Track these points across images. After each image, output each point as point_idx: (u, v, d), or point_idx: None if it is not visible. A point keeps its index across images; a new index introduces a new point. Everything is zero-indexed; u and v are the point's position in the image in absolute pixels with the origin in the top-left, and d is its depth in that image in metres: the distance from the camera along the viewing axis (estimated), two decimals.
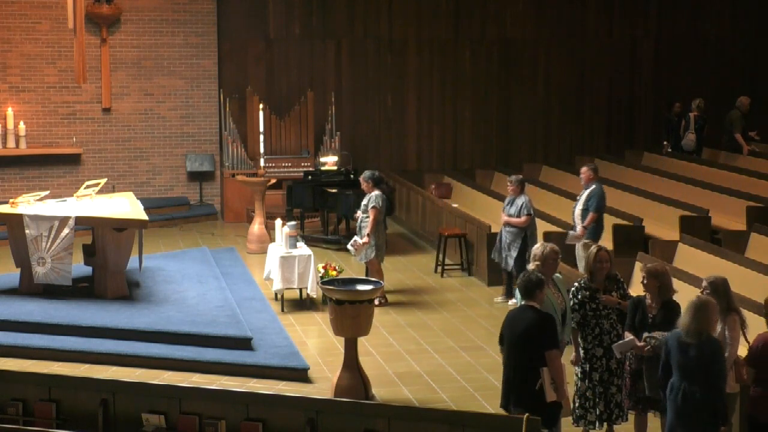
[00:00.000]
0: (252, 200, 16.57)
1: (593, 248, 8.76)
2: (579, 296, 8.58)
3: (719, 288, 7.90)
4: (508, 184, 13.09)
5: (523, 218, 12.73)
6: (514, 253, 12.75)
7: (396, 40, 19.55)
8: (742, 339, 7.91)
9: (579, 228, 12.69)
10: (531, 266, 8.74)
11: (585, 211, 12.72)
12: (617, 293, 8.65)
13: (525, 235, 12.78)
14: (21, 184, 17.48)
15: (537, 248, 8.74)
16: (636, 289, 11.37)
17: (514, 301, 12.64)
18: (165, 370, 10.50)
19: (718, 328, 7.75)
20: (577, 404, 8.60)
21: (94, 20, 17.80)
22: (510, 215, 12.83)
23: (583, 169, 12.98)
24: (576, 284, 8.67)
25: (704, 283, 7.97)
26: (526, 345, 7.66)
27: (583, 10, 20.31)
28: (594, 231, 12.72)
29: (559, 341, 7.89)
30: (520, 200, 12.83)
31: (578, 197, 13.01)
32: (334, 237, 16.22)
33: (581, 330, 8.58)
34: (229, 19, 18.72)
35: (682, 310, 7.66)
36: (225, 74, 18.74)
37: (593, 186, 12.80)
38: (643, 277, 8.28)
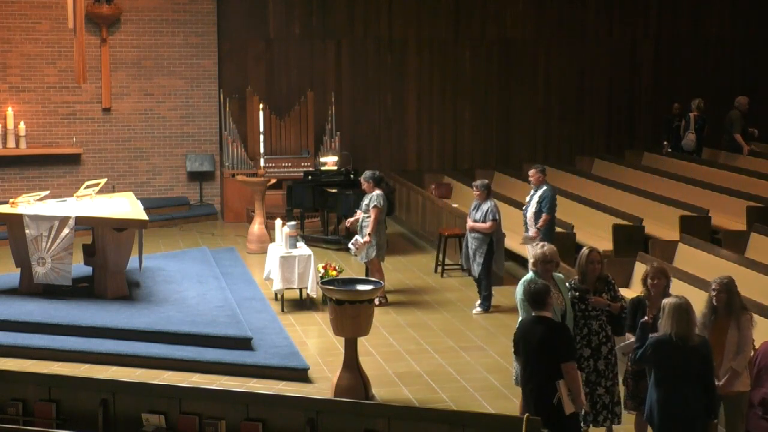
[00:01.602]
0: (252, 200, 16.57)
1: (585, 249, 8.73)
2: (568, 296, 8.57)
3: (732, 288, 7.91)
4: (474, 189, 12.89)
5: (488, 224, 12.53)
6: (480, 260, 12.57)
7: (396, 40, 19.56)
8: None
9: (532, 230, 12.60)
10: (529, 266, 8.75)
11: (538, 213, 12.64)
12: (608, 295, 8.63)
13: (491, 240, 12.59)
14: (21, 184, 17.48)
15: (536, 247, 8.74)
16: (636, 290, 11.37)
17: (479, 309, 12.66)
18: (165, 370, 10.49)
19: (731, 327, 7.80)
20: None
21: (94, 20, 17.80)
22: (476, 221, 12.66)
23: (532, 172, 12.87)
24: (566, 285, 8.65)
25: (714, 285, 7.95)
26: (541, 358, 7.59)
27: (583, 10, 20.32)
28: (547, 232, 12.70)
29: (575, 351, 7.81)
30: (486, 205, 12.63)
31: (528, 199, 12.88)
32: (334, 237, 16.22)
33: None
34: (229, 19, 18.72)
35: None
36: (225, 74, 18.75)
37: (544, 187, 12.74)
38: (652, 277, 8.22)
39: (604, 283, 8.68)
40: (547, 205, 12.63)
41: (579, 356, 8.50)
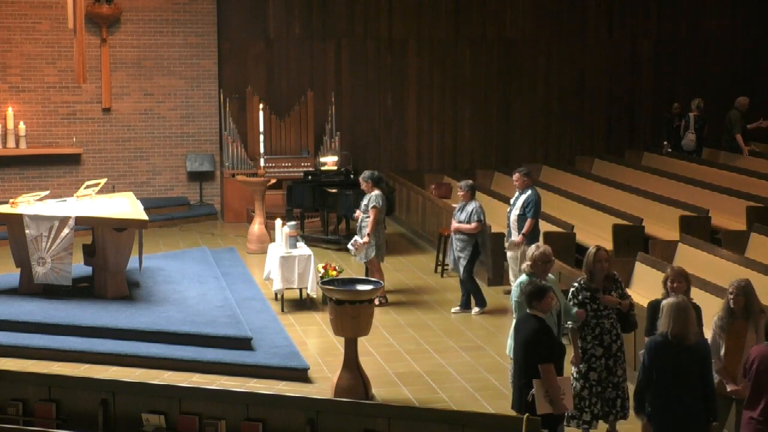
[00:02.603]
0: (252, 200, 16.57)
1: (592, 248, 8.71)
2: (580, 297, 8.55)
3: (750, 291, 7.89)
4: (459, 190, 12.83)
5: (473, 225, 12.43)
6: (464, 262, 12.48)
7: (396, 40, 19.56)
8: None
9: (518, 236, 12.54)
10: (523, 266, 8.75)
11: (521, 217, 12.60)
12: (616, 293, 8.63)
13: (476, 242, 12.48)
14: (21, 184, 17.48)
15: (530, 249, 8.75)
16: (637, 290, 11.39)
17: (477, 309, 12.62)
18: (165, 370, 10.50)
19: (749, 331, 7.78)
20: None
21: (94, 20, 17.80)
22: (460, 222, 12.58)
23: (516, 176, 12.82)
24: (576, 284, 8.65)
25: (732, 288, 7.92)
26: (524, 354, 7.72)
27: (583, 10, 20.32)
28: (531, 236, 12.71)
29: (556, 354, 7.77)
30: (471, 206, 12.54)
31: (512, 202, 12.85)
32: (334, 237, 16.22)
33: (580, 330, 8.57)
34: (229, 19, 18.72)
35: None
36: (225, 74, 18.75)
37: (529, 191, 12.67)
38: (672, 280, 8.16)
39: (611, 281, 8.67)
40: (532, 209, 12.58)
41: (590, 356, 8.50)
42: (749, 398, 7.26)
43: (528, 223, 12.51)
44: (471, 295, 12.67)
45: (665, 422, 7.38)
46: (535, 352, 7.63)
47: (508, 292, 13.33)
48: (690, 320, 7.32)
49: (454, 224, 12.67)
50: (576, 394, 8.54)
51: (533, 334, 7.68)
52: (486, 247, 12.61)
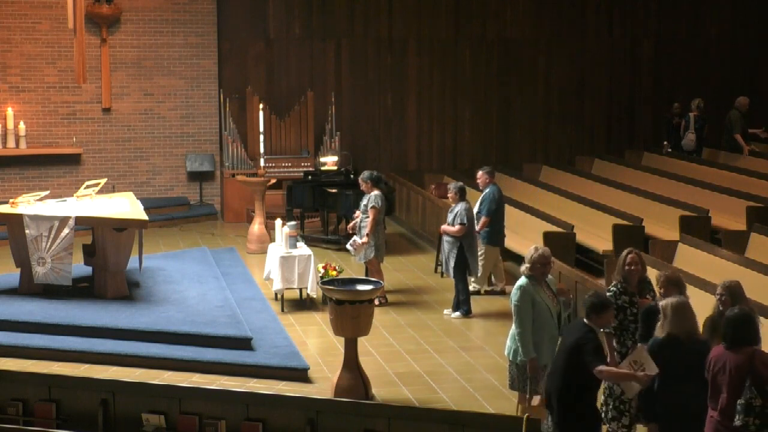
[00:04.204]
0: (252, 200, 16.57)
1: (624, 252, 8.63)
2: (619, 302, 8.42)
3: (737, 291, 7.88)
4: (449, 191, 12.87)
5: (456, 227, 12.34)
6: (452, 263, 12.40)
7: (396, 40, 19.56)
8: None
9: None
10: (522, 269, 8.72)
11: (478, 214, 12.66)
12: (650, 295, 8.55)
13: (460, 245, 12.36)
14: (21, 184, 17.48)
15: (528, 251, 8.72)
16: None
17: (457, 314, 12.56)
18: (165, 370, 10.49)
19: None
20: (611, 405, 8.43)
21: (94, 20, 17.80)
22: (448, 223, 12.53)
23: (479, 174, 12.97)
24: (614, 288, 8.51)
25: (720, 290, 7.91)
26: (567, 359, 7.55)
27: (583, 10, 20.32)
28: (490, 235, 12.65)
29: (599, 357, 7.53)
30: (457, 208, 12.47)
31: (478, 201, 12.96)
32: (334, 237, 16.21)
33: (618, 334, 8.41)
34: (229, 19, 18.72)
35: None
36: (225, 74, 18.75)
37: (488, 189, 12.78)
38: (661, 285, 8.15)
39: (644, 283, 8.61)
40: (486, 207, 12.63)
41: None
42: (710, 397, 7.27)
43: (482, 220, 12.61)
44: (462, 296, 12.60)
45: (669, 420, 7.38)
46: (582, 354, 7.40)
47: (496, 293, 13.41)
48: (691, 318, 7.34)
49: (443, 226, 12.71)
50: (616, 397, 8.39)
51: (581, 338, 7.47)
52: (473, 249, 12.55)
